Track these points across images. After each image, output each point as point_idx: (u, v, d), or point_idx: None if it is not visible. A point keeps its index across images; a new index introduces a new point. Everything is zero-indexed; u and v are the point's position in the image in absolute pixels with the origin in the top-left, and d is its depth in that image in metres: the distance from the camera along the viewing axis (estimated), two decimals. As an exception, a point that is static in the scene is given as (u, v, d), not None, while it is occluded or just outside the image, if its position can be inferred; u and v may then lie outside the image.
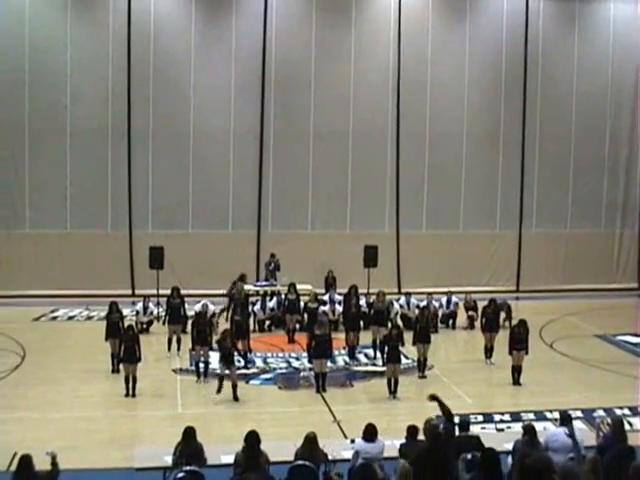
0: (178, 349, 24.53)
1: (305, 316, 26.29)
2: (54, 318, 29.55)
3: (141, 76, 32.33)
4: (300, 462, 13.54)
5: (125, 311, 24.85)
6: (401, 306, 27.61)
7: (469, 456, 12.56)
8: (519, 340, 21.99)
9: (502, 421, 19.22)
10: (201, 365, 22.26)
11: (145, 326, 27.08)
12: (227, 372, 20.75)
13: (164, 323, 25.74)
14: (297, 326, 26.68)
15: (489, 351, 24.10)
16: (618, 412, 19.30)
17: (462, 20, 34.11)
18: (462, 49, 34.09)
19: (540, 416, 19.21)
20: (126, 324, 22.66)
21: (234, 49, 32.90)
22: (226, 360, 20.82)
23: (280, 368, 23.70)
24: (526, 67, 34.40)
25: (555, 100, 34.68)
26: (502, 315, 26.60)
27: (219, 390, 20.58)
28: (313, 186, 33.57)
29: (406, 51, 33.61)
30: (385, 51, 33.73)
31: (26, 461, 12.08)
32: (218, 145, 33.10)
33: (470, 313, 27.90)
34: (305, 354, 23.99)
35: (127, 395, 20.73)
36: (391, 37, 33.62)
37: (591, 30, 34.96)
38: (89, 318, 29.22)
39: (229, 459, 13.82)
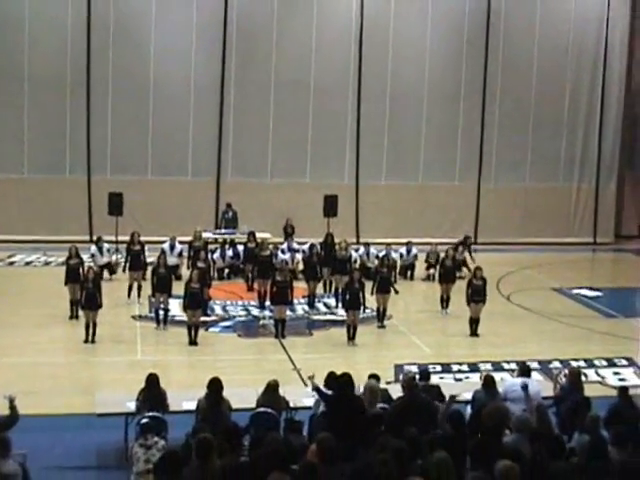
0: (138, 296, 24.43)
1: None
2: (11, 263, 29.31)
3: (101, 24, 31.90)
4: (262, 409, 13.65)
5: (84, 257, 24.73)
6: (360, 256, 27.68)
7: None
8: (477, 292, 22.18)
9: (460, 371, 19.48)
10: (161, 312, 22.26)
11: (103, 269, 26.77)
12: (188, 318, 20.94)
13: (124, 270, 25.62)
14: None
15: (445, 302, 24.35)
16: (574, 364, 19.60)
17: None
18: (425, 3, 33.90)
19: (498, 367, 19.47)
20: (86, 269, 22.48)
21: (195, -2, 32.66)
22: (192, 302, 20.91)
23: (239, 316, 23.77)
24: (489, 22, 34.25)
25: (517, 55, 34.58)
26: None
27: (192, 341, 20.71)
28: (273, 135, 33.36)
29: (369, 4, 33.39)
30: (348, 3, 33.50)
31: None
32: (178, 93, 32.79)
33: (431, 271, 27.95)
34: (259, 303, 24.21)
35: (87, 341, 20.71)
36: (354, -11, 33.46)
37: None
38: (47, 264, 28.99)
39: (190, 405, 13.90)
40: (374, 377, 14.11)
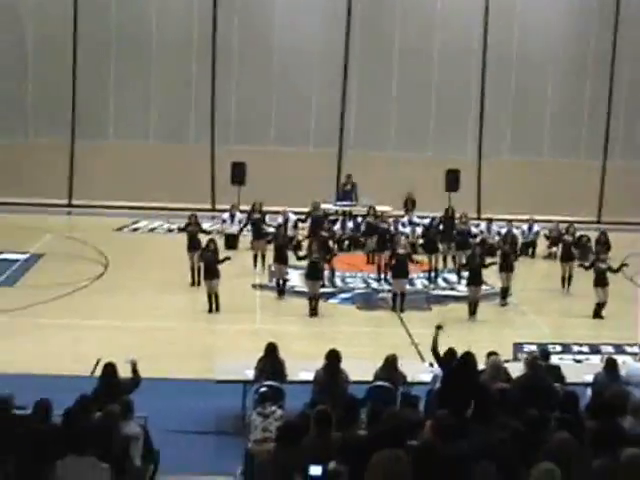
0: (262, 265, 24.64)
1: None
2: (135, 229, 29.91)
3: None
4: (379, 383, 13.62)
5: (205, 225, 25.11)
6: (481, 232, 27.37)
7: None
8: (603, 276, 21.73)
9: (580, 352, 19.12)
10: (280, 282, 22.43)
11: (230, 238, 27.12)
12: (308, 288, 21.03)
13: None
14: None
15: (567, 280, 23.95)
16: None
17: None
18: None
19: (619, 349, 19.04)
20: (208, 237, 22.71)
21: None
22: (312, 273, 20.98)
23: (358, 288, 23.78)
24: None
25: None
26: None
27: (313, 312, 20.80)
28: (396, 108, 33.19)
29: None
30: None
31: (110, 369, 12.30)
32: (302, 63, 32.88)
33: (553, 249, 27.45)
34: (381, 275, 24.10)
35: (210, 311, 20.94)
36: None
37: None
38: (170, 231, 29.43)
39: (308, 376, 13.94)
40: (494, 354, 13.95)
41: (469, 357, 11.61)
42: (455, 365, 11.87)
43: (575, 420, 9.59)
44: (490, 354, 14.00)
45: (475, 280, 21.31)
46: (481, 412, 9.45)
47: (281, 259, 22.48)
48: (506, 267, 22.52)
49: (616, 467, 6.62)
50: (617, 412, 10.14)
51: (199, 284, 22.42)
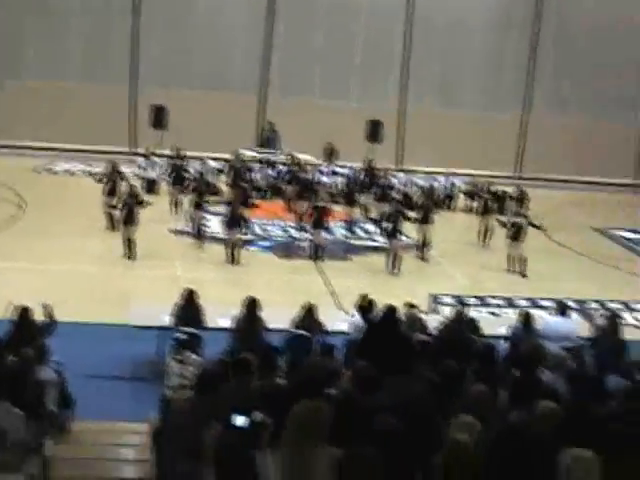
0: (176, 212, 24.47)
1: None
2: (54, 172, 29.38)
3: None
4: (298, 332, 13.62)
5: (125, 169, 24.81)
6: (405, 185, 27.46)
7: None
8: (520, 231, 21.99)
9: (496, 305, 19.34)
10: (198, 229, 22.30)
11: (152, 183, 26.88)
12: (228, 236, 20.91)
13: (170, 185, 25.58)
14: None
15: (484, 234, 24.19)
16: (611, 305, 19.43)
17: None
18: None
19: (534, 303, 19.32)
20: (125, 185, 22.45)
21: None
22: (232, 221, 20.88)
23: (278, 236, 23.73)
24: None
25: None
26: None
27: (232, 259, 20.65)
28: (321, 56, 33.08)
29: None
30: None
31: (25, 313, 12.10)
32: (226, 7, 32.51)
33: (472, 204, 27.69)
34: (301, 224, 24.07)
35: (128, 257, 20.71)
36: None
37: None
38: (91, 174, 28.82)
39: (225, 323, 13.91)
40: (412, 306, 14.06)
41: (392, 310, 11.67)
42: (379, 318, 11.91)
43: (492, 373, 9.71)
44: (409, 305, 14.15)
45: (394, 233, 21.37)
46: (401, 364, 9.50)
47: (199, 205, 22.30)
48: (425, 221, 22.63)
49: (530, 419, 6.70)
50: (534, 365, 10.29)
51: (114, 229, 22.15)
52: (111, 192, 22.85)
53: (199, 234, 22.27)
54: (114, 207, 21.55)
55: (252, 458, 5.56)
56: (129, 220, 20.88)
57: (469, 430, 5.79)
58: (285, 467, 5.83)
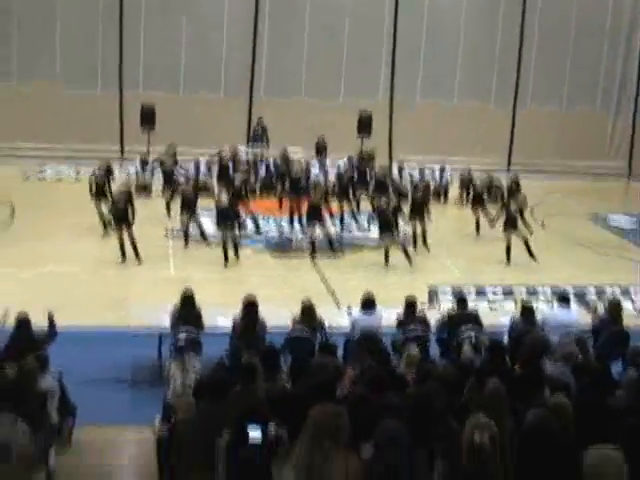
0: (169, 214, 24.27)
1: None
2: (42, 178, 29.18)
3: None
4: (298, 332, 13.45)
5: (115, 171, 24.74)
6: (393, 179, 27.33)
7: (473, 338, 12.69)
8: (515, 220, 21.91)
9: (495, 294, 19.24)
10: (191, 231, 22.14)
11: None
12: (220, 234, 20.77)
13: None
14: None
15: (477, 225, 24.19)
16: (609, 291, 19.38)
17: None
18: None
19: (532, 292, 19.22)
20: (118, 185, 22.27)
21: None
22: (224, 219, 20.72)
23: (272, 233, 23.61)
24: None
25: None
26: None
27: (226, 257, 20.55)
28: (308, 53, 32.90)
29: None
30: None
31: (24, 321, 11.97)
32: (212, 9, 32.38)
33: (464, 195, 27.63)
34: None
35: (124, 257, 20.52)
36: None
37: None
38: (78, 174, 28.63)
39: (224, 322, 13.80)
40: (413, 301, 14.05)
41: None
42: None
43: (503, 368, 9.64)
44: (409, 302, 14.09)
45: (389, 227, 21.26)
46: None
47: (188, 208, 22.13)
48: (418, 214, 22.53)
49: (548, 416, 6.60)
50: (539, 358, 10.22)
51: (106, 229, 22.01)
52: (102, 192, 22.62)
53: (186, 237, 22.06)
54: (114, 205, 21.19)
55: (269, 472, 5.43)
56: (125, 223, 20.65)
57: (488, 430, 5.68)
58: (302, 475, 5.71)
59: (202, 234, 22.11)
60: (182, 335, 13.17)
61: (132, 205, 20.92)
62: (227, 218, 21.01)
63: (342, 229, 24.07)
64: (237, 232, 21.25)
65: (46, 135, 30.65)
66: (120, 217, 20.64)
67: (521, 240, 21.78)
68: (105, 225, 22.27)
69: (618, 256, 23.14)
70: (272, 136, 29.77)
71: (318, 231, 21.98)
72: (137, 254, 20.53)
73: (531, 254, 21.72)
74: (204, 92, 32.38)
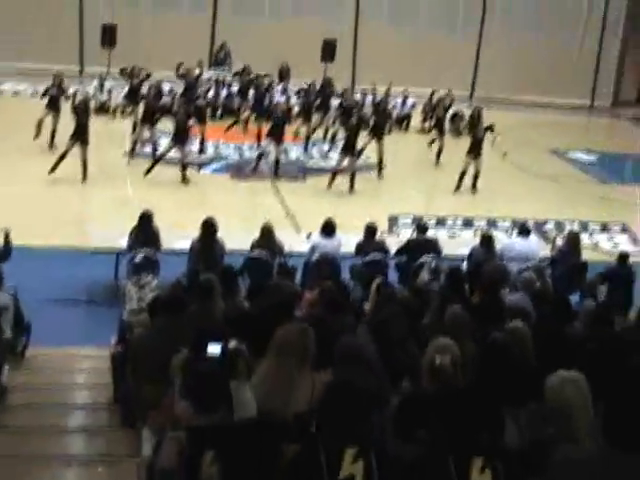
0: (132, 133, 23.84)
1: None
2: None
3: None
4: (256, 254, 13.38)
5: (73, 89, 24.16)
6: (357, 103, 27.05)
7: (432, 264, 12.67)
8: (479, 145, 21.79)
9: (454, 224, 19.23)
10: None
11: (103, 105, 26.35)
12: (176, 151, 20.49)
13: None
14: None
15: (438, 154, 24.06)
16: (568, 226, 19.43)
17: None
18: None
19: (492, 224, 19.23)
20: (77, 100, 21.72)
21: None
22: (179, 137, 20.42)
23: (232, 157, 23.36)
24: None
25: None
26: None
27: (148, 171, 20.33)
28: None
29: None
30: None
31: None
32: None
33: (426, 124, 27.52)
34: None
35: (53, 171, 19.98)
36: None
37: None
38: (37, 93, 28.02)
39: (183, 245, 13.65)
40: (373, 227, 14.00)
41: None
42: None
43: (462, 295, 9.61)
44: (369, 228, 14.04)
45: (350, 151, 21.10)
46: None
47: (149, 120, 21.78)
48: (379, 137, 22.38)
49: (509, 339, 6.58)
50: (498, 286, 10.19)
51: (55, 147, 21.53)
52: (53, 106, 22.15)
53: (133, 147, 21.73)
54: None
55: (228, 387, 5.34)
56: (81, 135, 20.09)
57: (450, 352, 5.62)
58: (265, 394, 5.63)
59: (154, 151, 21.69)
60: (139, 255, 13.00)
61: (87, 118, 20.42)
62: (184, 137, 20.67)
63: (305, 154, 23.85)
64: (186, 151, 20.93)
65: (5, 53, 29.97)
66: (79, 132, 20.07)
67: (473, 170, 21.66)
68: (52, 140, 21.78)
69: (582, 193, 23.16)
70: (235, 59, 29.36)
71: (279, 149, 21.70)
72: (85, 172, 20.02)
73: (474, 185, 21.63)
74: (167, 11, 31.78)
